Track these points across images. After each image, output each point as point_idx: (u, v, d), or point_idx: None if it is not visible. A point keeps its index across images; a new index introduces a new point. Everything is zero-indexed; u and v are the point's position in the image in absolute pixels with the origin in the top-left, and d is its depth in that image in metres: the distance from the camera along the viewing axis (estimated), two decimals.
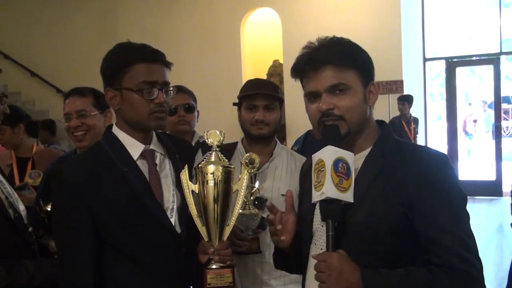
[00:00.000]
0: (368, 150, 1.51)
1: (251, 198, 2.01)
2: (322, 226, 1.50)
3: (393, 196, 1.40)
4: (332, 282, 1.32)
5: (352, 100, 1.46)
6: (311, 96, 1.51)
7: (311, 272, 1.48)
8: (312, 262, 1.48)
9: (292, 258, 1.63)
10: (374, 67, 1.53)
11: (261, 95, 2.19)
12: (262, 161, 2.15)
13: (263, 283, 2.16)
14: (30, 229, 1.89)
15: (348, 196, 1.39)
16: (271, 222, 1.57)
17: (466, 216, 1.43)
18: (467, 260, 1.36)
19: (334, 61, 1.45)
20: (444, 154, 1.49)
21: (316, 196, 1.41)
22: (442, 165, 1.44)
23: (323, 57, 1.46)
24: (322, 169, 1.39)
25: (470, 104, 12.19)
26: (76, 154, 2.52)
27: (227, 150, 1.84)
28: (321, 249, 1.49)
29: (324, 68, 1.46)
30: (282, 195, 2.17)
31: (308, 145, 2.72)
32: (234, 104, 2.32)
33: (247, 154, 1.83)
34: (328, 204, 1.38)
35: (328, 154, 1.40)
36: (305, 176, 1.68)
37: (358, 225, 1.41)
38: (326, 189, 1.36)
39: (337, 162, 1.39)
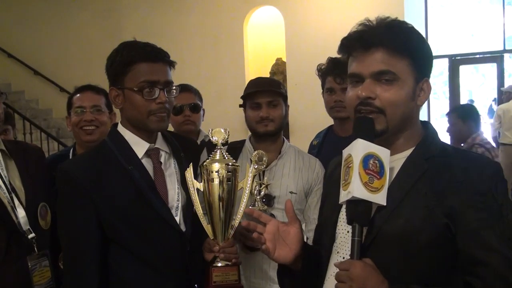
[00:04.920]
0: (409, 151, 1.32)
1: (262, 194, 2.01)
2: (348, 232, 1.32)
3: (436, 204, 1.22)
4: None
5: (398, 94, 1.26)
6: (353, 79, 1.32)
7: (330, 282, 1.33)
8: (332, 271, 1.34)
9: (300, 276, 1.44)
10: (433, 63, 1.36)
11: (263, 92, 2.20)
12: (270, 158, 2.18)
13: (270, 279, 2.17)
14: (30, 236, 1.84)
15: (379, 198, 1.22)
16: (246, 229, 1.46)
17: None
18: None
19: (388, 44, 1.26)
20: (498, 163, 1.32)
21: (343, 196, 1.25)
22: (495, 175, 1.24)
23: (377, 38, 1.26)
24: (350, 165, 1.23)
25: (472, 101, 11.84)
26: (75, 150, 2.50)
27: (235, 148, 1.84)
28: (344, 258, 1.32)
29: (375, 50, 1.26)
30: (291, 192, 2.19)
31: (328, 140, 2.69)
32: (240, 106, 2.34)
33: (256, 151, 1.82)
34: (355, 205, 1.22)
35: (356, 148, 1.23)
36: (330, 177, 1.52)
37: (393, 234, 1.24)
38: (353, 188, 1.20)
39: (368, 158, 1.22)
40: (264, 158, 1.83)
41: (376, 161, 1.23)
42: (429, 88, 1.33)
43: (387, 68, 1.26)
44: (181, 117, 2.76)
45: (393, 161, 1.30)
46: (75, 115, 2.41)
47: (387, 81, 1.26)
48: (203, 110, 2.89)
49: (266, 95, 2.20)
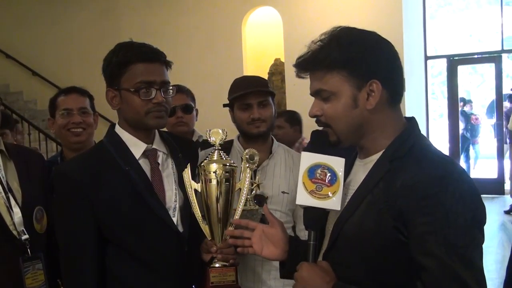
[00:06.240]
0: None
1: (253, 193, 2.01)
2: (329, 229, 1.41)
3: (386, 206, 1.22)
4: None
5: (335, 108, 1.31)
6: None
7: None
8: None
9: (286, 266, 1.54)
10: (382, 62, 1.32)
11: (253, 93, 2.15)
12: (261, 158, 2.14)
13: (262, 282, 2.16)
14: (24, 237, 1.83)
15: (331, 204, 1.31)
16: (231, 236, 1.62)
17: (470, 242, 1.17)
18: None
19: (320, 65, 1.32)
20: (452, 162, 1.27)
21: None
22: (445, 177, 1.19)
23: (306, 63, 1.35)
24: None
25: (470, 101, 11.53)
26: (62, 154, 2.48)
27: (223, 148, 1.84)
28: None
29: (309, 73, 1.37)
30: (283, 192, 2.18)
31: None
32: (225, 105, 2.27)
33: (247, 150, 1.82)
34: (306, 212, 1.34)
35: (302, 160, 1.34)
36: None
37: (350, 234, 1.28)
38: (297, 196, 1.33)
39: (314, 168, 1.32)
40: (255, 158, 1.82)
41: (325, 170, 1.32)
42: (379, 89, 1.29)
43: (319, 87, 1.33)
44: (173, 119, 2.70)
45: (368, 162, 1.35)
46: (61, 117, 2.38)
47: (324, 98, 1.34)
48: (196, 110, 2.85)
49: (256, 95, 2.15)
